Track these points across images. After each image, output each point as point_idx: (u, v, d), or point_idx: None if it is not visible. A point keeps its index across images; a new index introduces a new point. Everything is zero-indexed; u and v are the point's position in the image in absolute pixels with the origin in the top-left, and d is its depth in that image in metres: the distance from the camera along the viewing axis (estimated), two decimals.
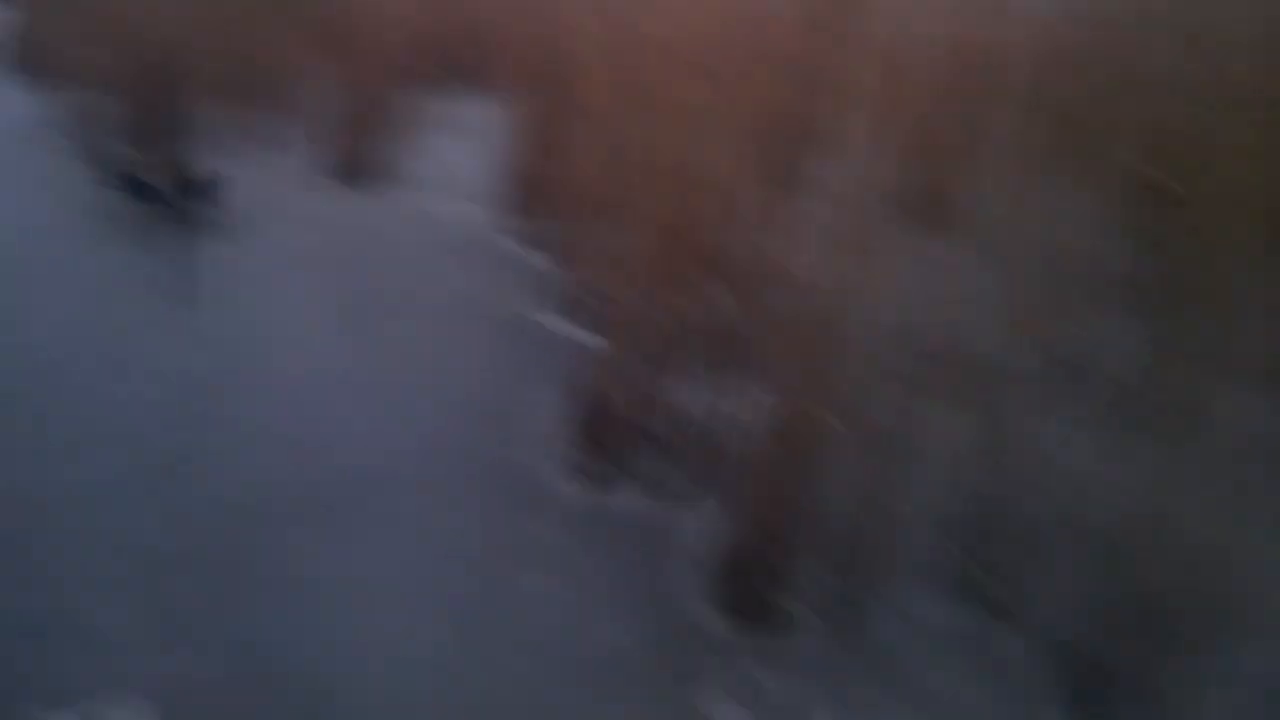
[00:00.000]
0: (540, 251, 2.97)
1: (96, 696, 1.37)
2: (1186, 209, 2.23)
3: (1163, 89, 2.52)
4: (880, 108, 1.85)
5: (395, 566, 1.70)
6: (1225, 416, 1.67)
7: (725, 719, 1.45)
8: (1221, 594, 1.54)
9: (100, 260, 2.75)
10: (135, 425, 2.00)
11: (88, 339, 2.32)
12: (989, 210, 2.07)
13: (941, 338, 1.83)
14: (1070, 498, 1.68)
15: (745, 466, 1.72)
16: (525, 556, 1.74)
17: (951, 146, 2.53)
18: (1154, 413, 1.91)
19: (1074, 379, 1.96)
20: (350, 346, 2.39)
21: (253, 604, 1.58)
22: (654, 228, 2.04)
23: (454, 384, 2.27)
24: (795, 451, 1.65)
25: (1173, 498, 1.52)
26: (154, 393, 2.12)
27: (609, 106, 2.60)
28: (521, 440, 2.05)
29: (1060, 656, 1.56)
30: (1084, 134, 2.42)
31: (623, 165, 2.61)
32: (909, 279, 1.76)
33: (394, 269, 2.89)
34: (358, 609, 1.60)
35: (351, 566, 1.69)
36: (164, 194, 2.99)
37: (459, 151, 3.83)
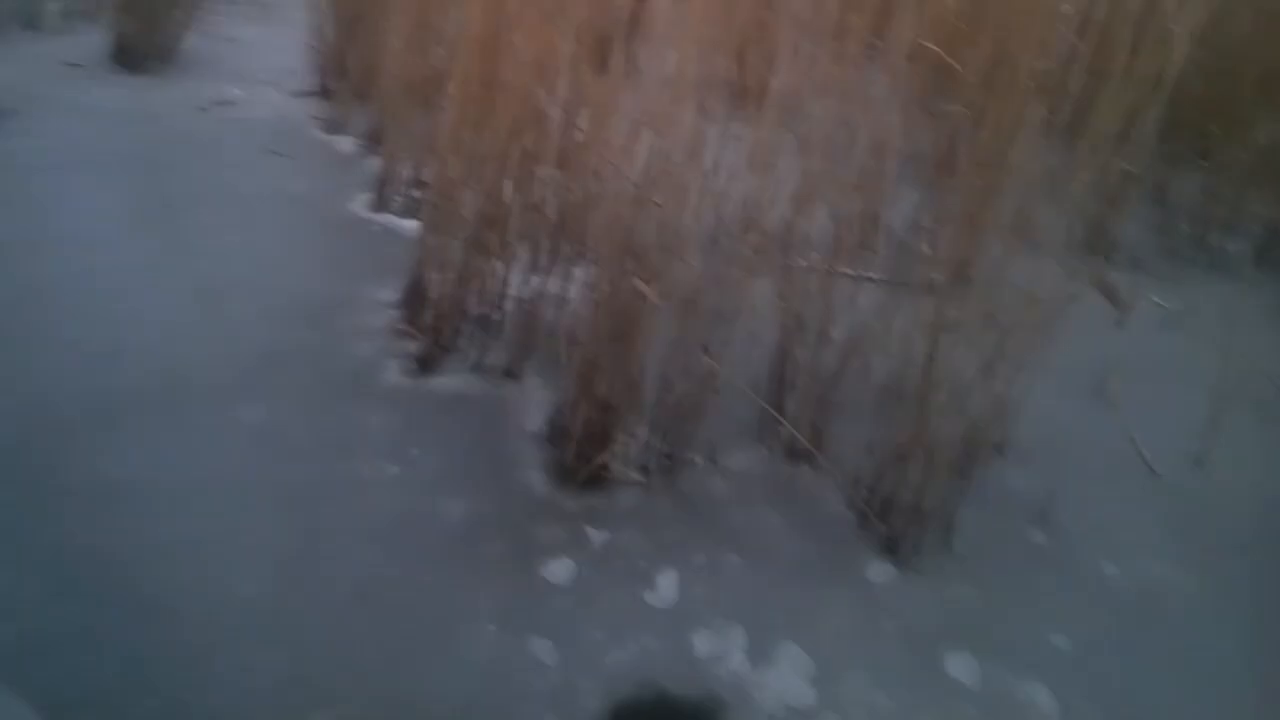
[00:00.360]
0: (353, 138, 2.87)
1: None
2: (964, 85, 2.41)
3: None
4: None
5: (221, 465, 1.67)
6: (993, 273, 1.84)
7: (564, 578, 1.55)
8: (984, 427, 1.76)
9: None
10: None
11: None
12: (789, 91, 2.16)
13: (747, 210, 1.94)
14: (859, 350, 1.85)
15: (569, 340, 1.79)
16: (358, 445, 1.75)
17: (754, 32, 2.61)
18: (933, 271, 2.09)
19: (864, 244, 2.11)
20: (152, 245, 2.26)
21: (67, 514, 1.52)
22: (470, 112, 2.02)
23: (269, 278, 2.19)
24: (615, 322, 1.73)
25: (946, 346, 1.71)
26: None
27: None
28: (344, 330, 2.03)
29: (853, 490, 1.75)
30: (874, 14, 2.53)
31: (438, 48, 2.55)
32: (718, 157, 1.84)
33: (193, 161, 2.70)
34: (184, 511, 1.57)
35: (174, 469, 1.65)
36: None
37: (258, 33, 3.60)
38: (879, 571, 1.65)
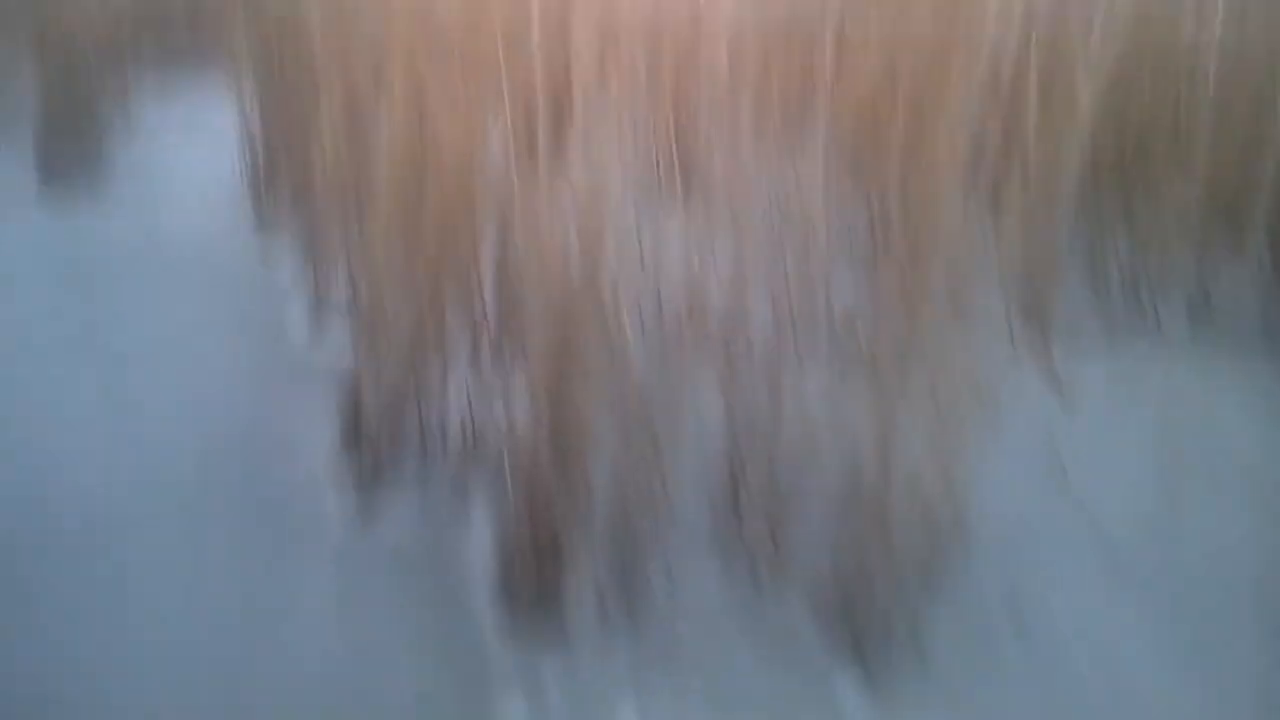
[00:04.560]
0: (284, 252, 2.81)
1: None
2: (893, 166, 2.44)
3: (862, 50, 2.73)
4: (620, 85, 1.90)
5: (143, 618, 1.57)
6: (935, 353, 1.83)
7: (518, 718, 1.47)
8: (945, 517, 1.73)
9: None
10: None
11: None
12: (728, 178, 2.17)
13: (690, 303, 1.91)
14: (811, 444, 1.81)
15: (513, 459, 1.74)
16: (295, 589, 1.66)
17: (688, 119, 2.64)
18: (876, 355, 2.09)
19: (808, 331, 2.10)
20: (75, 378, 2.18)
21: None
22: (402, 218, 1.99)
23: (199, 408, 2.12)
24: (559, 438, 1.68)
25: (898, 433, 1.69)
26: None
27: (348, 90, 2.49)
28: (278, 461, 1.95)
29: (817, 597, 1.70)
30: (802, 101, 2.57)
31: (367, 152, 2.52)
32: (657, 250, 1.83)
33: (116, 281, 2.62)
34: (98, 670, 1.47)
35: (89, 621, 1.55)
36: None
37: (184, 145, 3.54)
38: (850, 696, 1.57)
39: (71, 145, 3.28)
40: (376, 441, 1.88)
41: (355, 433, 1.93)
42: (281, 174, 2.92)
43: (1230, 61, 2.61)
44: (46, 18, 3.37)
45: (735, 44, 2.60)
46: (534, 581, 1.65)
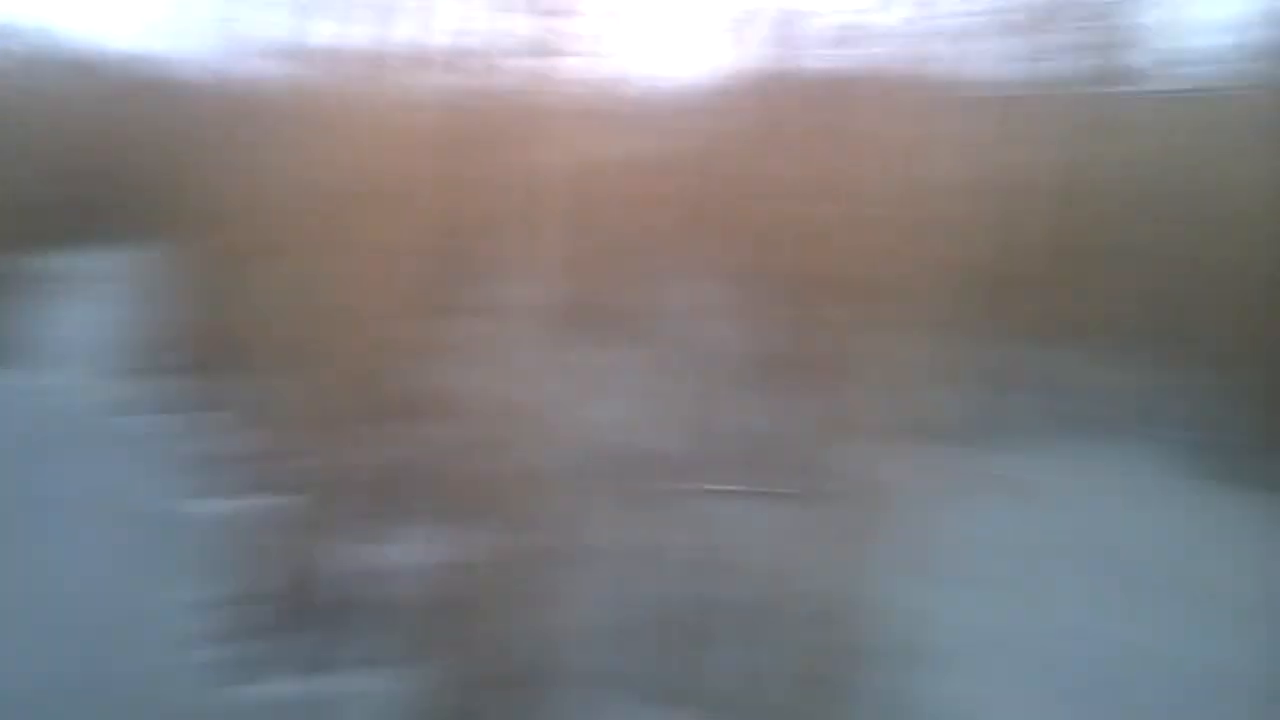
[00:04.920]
0: (178, 415, 2.70)
1: None
2: (805, 294, 2.47)
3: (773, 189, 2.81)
4: (536, 229, 1.90)
5: None
6: (854, 474, 1.80)
7: None
8: (879, 638, 1.65)
9: None
10: None
11: None
12: (642, 314, 2.17)
13: (613, 440, 1.86)
14: (737, 576, 1.74)
15: (436, 615, 1.62)
16: None
17: (603, 258, 2.66)
18: (796, 480, 2.04)
19: (729, 460, 2.06)
20: None
21: None
22: (314, 373, 1.93)
23: (76, 591, 1.95)
24: (486, 586, 1.59)
25: (822, 557, 1.62)
26: None
27: (260, 249, 2.46)
28: (161, 643, 1.78)
29: None
30: (714, 234, 2.61)
31: (279, 310, 2.47)
32: (576, 388, 1.79)
33: (16, 466, 2.48)
34: None
35: None
36: None
37: (81, 314, 3.47)
38: None
39: None
40: (267, 604, 1.75)
41: (247, 597, 1.80)
42: (183, 336, 2.87)
43: (1143, 185, 2.75)
44: None
45: (640, 189, 2.67)
46: None
